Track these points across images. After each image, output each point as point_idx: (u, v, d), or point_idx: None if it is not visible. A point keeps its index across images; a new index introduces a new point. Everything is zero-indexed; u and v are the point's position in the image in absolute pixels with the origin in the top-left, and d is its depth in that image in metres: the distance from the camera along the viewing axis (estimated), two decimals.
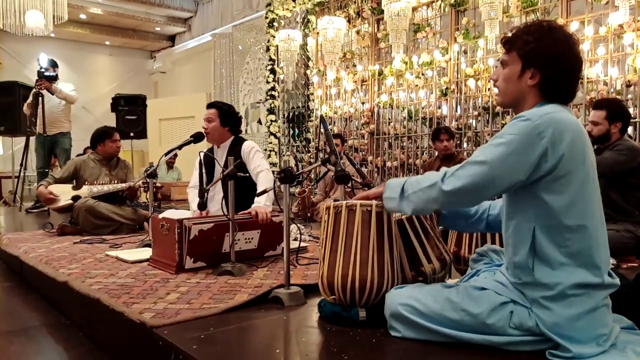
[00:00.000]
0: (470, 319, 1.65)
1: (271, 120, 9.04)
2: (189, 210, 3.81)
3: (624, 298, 1.81)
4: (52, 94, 6.42)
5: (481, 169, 1.60)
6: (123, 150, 8.00)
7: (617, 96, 5.05)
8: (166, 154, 3.56)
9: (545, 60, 1.63)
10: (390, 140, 7.53)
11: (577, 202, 1.58)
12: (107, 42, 14.52)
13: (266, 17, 9.12)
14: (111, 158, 4.80)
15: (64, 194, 4.50)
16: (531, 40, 1.64)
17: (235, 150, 3.65)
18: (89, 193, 4.46)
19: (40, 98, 6.29)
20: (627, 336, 1.66)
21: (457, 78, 6.60)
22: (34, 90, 6.34)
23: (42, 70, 6.34)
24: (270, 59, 9.08)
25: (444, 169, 1.70)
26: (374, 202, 1.97)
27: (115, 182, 4.61)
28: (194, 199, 3.69)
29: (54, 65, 6.59)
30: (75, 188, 4.57)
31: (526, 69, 1.66)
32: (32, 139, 6.67)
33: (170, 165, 9.35)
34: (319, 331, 1.95)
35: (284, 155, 9.22)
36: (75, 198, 4.43)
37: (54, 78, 6.40)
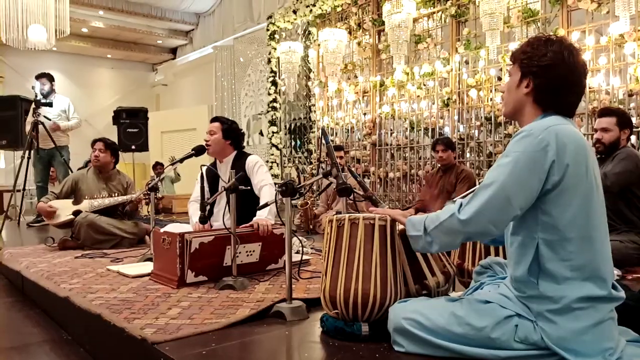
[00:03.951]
0: (475, 333, 1.64)
1: (273, 132, 9.05)
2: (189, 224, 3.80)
3: (629, 310, 1.80)
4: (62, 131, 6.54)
5: (492, 190, 1.59)
6: (124, 163, 8.03)
7: (620, 106, 5.05)
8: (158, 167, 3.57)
9: (537, 69, 1.66)
10: (392, 151, 7.53)
11: (581, 214, 1.57)
12: (109, 55, 14.59)
13: (267, 30, 9.17)
14: (103, 170, 4.77)
15: (64, 209, 4.49)
16: (528, 51, 1.69)
17: (239, 164, 3.64)
18: (90, 207, 4.45)
19: (39, 126, 6.32)
20: (633, 349, 1.64)
21: (459, 88, 6.60)
22: (32, 119, 6.33)
23: (39, 99, 6.37)
24: (272, 71, 9.11)
25: (459, 200, 1.69)
26: (377, 215, 1.96)
27: (115, 194, 4.58)
28: (194, 212, 3.67)
29: (51, 80, 6.61)
30: (75, 203, 4.56)
31: (523, 78, 1.69)
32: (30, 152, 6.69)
33: (163, 179, 9.40)
34: (322, 346, 1.93)
35: (285, 167, 9.22)
36: (77, 213, 4.42)
37: (50, 104, 6.42)
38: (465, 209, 1.64)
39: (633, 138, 4.87)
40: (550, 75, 1.64)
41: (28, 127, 6.59)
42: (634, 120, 4.97)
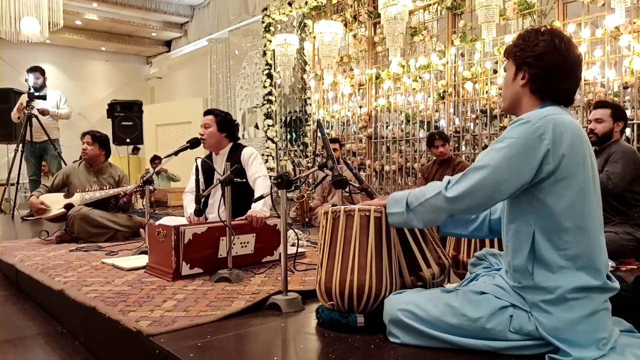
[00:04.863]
0: (470, 324, 1.64)
1: (268, 125, 9.04)
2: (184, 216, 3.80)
3: (623, 301, 1.80)
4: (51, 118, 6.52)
5: (483, 173, 1.61)
6: (119, 156, 7.99)
7: (615, 98, 5.06)
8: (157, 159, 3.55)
9: (529, 59, 1.67)
10: (388, 144, 7.53)
11: (577, 204, 1.57)
12: (103, 48, 14.52)
13: (263, 22, 9.13)
14: (94, 163, 4.74)
15: (56, 202, 4.47)
16: (520, 44, 1.71)
17: (234, 156, 3.64)
18: (81, 200, 4.42)
19: (32, 119, 6.31)
20: (626, 339, 1.65)
21: (455, 81, 6.60)
22: (26, 111, 6.31)
23: (32, 92, 6.34)
24: (267, 64, 9.08)
25: (447, 178, 1.70)
26: (372, 207, 1.96)
27: (106, 188, 4.55)
28: (189, 203, 3.67)
29: (43, 73, 6.58)
30: (67, 196, 4.54)
31: (518, 71, 1.71)
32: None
33: (158, 173, 9.40)
34: (317, 338, 1.93)
35: (281, 160, 9.21)
36: (68, 206, 4.39)
37: (44, 97, 6.39)
38: (453, 187, 1.66)
39: (628, 131, 4.88)
40: (544, 63, 1.65)
41: (15, 117, 6.56)
42: (628, 112, 4.98)
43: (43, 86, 6.55)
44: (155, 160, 9.61)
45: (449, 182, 1.68)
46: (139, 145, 9.28)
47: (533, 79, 1.67)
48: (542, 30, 1.69)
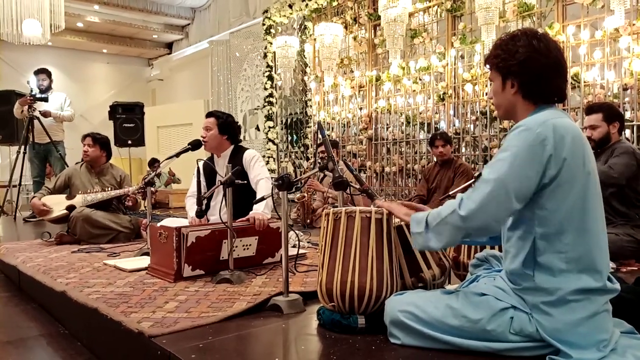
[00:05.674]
0: (471, 325, 1.65)
1: (269, 127, 9.04)
2: (187, 218, 3.81)
3: (623, 302, 1.81)
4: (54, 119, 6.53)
5: (492, 185, 1.59)
6: (121, 158, 8.00)
7: (614, 100, 5.07)
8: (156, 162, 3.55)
9: (514, 67, 1.68)
10: (388, 146, 7.54)
11: (578, 207, 1.58)
12: (105, 50, 14.53)
13: (263, 24, 9.14)
14: (95, 165, 4.76)
15: (58, 204, 4.48)
16: (500, 54, 1.72)
17: (236, 158, 3.65)
18: (83, 202, 4.44)
19: (34, 120, 6.33)
20: (627, 341, 1.66)
21: (455, 83, 6.61)
22: (28, 113, 6.33)
23: (35, 93, 6.36)
24: (268, 66, 9.09)
25: (459, 195, 1.68)
26: (373, 208, 1.97)
27: (108, 189, 4.57)
28: (191, 207, 3.68)
29: (49, 76, 6.60)
30: (69, 198, 4.55)
31: (506, 80, 1.72)
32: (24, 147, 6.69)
33: (159, 175, 9.41)
34: (318, 339, 1.94)
35: (282, 162, 9.22)
36: (70, 208, 4.41)
37: (46, 99, 6.40)
38: (465, 203, 1.63)
39: (628, 132, 4.89)
40: (529, 68, 1.66)
41: (18, 112, 6.57)
42: (628, 114, 4.99)
43: (49, 88, 6.57)
44: (155, 163, 9.64)
45: (462, 200, 1.64)
46: (140, 147, 9.30)
47: (522, 85, 1.69)
48: (517, 35, 1.70)
